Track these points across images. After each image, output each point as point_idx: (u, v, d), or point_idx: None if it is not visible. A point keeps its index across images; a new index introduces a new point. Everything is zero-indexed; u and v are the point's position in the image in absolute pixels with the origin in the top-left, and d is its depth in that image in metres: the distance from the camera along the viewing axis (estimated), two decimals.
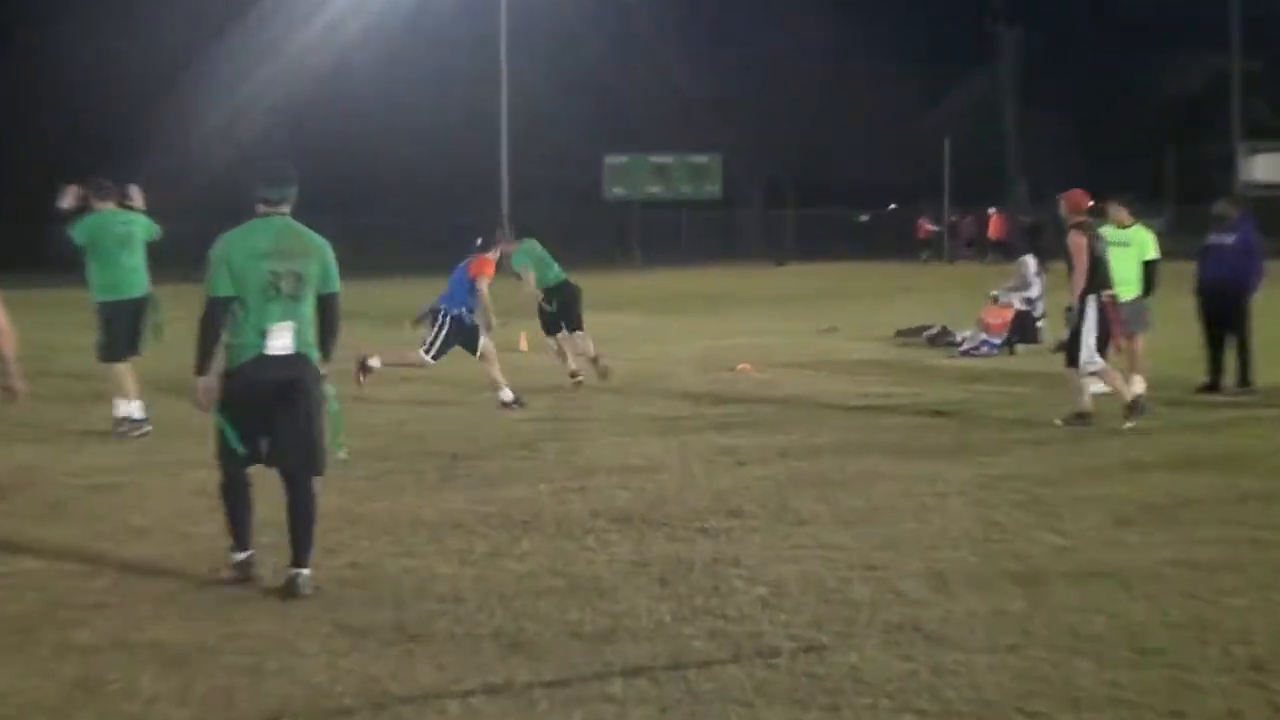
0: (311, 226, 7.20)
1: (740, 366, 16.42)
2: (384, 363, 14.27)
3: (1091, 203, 12.22)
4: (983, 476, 9.45)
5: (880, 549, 7.48)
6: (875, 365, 16.75)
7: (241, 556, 7.10)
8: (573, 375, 15.17)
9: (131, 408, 11.92)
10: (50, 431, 11.96)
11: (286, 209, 7.17)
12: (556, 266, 15.72)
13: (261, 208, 7.15)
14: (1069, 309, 11.83)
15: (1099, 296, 11.68)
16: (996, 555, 7.30)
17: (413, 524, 8.25)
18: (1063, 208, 12.30)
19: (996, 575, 6.90)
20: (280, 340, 6.98)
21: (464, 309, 13.88)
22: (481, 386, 15.03)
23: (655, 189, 58.96)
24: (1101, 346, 11.72)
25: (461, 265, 14.10)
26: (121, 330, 12.04)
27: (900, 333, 20.22)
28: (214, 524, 8.09)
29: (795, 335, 21.08)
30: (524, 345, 19.08)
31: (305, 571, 6.92)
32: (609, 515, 8.40)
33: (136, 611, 6.45)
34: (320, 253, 7.14)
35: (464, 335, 13.91)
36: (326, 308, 7.19)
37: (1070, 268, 11.76)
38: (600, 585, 6.83)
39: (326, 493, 8.97)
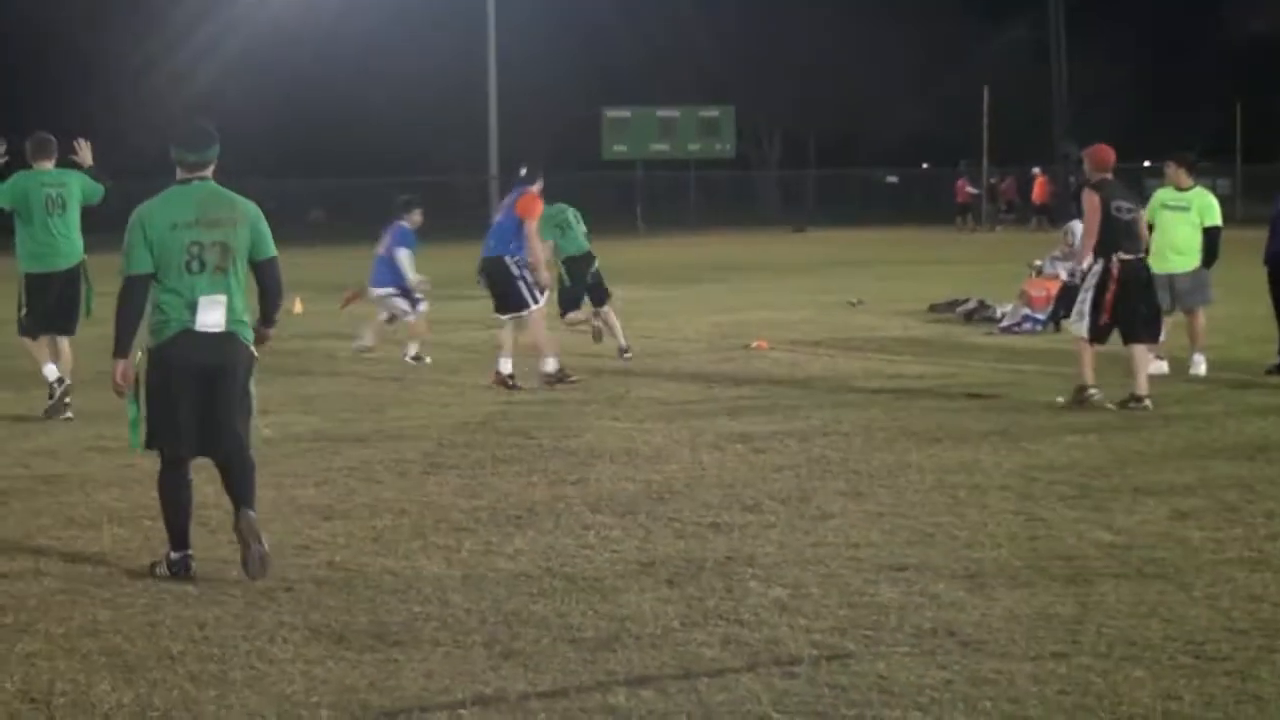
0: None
1: (756, 344, 16.49)
2: (550, 353, 13.72)
3: (1114, 160, 12.28)
4: (1025, 466, 9.50)
5: (911, 546, 7.52)
6: (906, 343, 16.80)
7: (178, 554, 7.19)
8: (622, 351, 15.58)
9: (49, 371, 12.00)
10: None
11: (208, 173, 7.27)
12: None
13: (181, 173, 7.26)
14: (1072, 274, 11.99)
15: (1109, 261, 11.75)
16: (1040, 553, 7.35)
17: (394, 519, 8.30)
18: (1086, 164, 12.38)
19: (1040, 575, 6.95)
20: (211, 315, 7.10)
21: (519, 254, 13.58)
22: (467, 362, 15.09)
23: (660, 147, 58.93)
24: (1098, 315, 11.75)
25: (506, 203, 13.96)
26: (43, 305, 12.05)
27: (934, 307, 20.28)
28: None
29: (817, 309, 21.14)
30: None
31: (252, 512, 7.17)
32: (611, 509, 8.46)
33: (89, 614, 6.50)
34: (249, 219, 7.27)
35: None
36: (265, 274, 7.38)
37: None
38: (601, 586, 6.88)
39: (302, 486, 9.10)
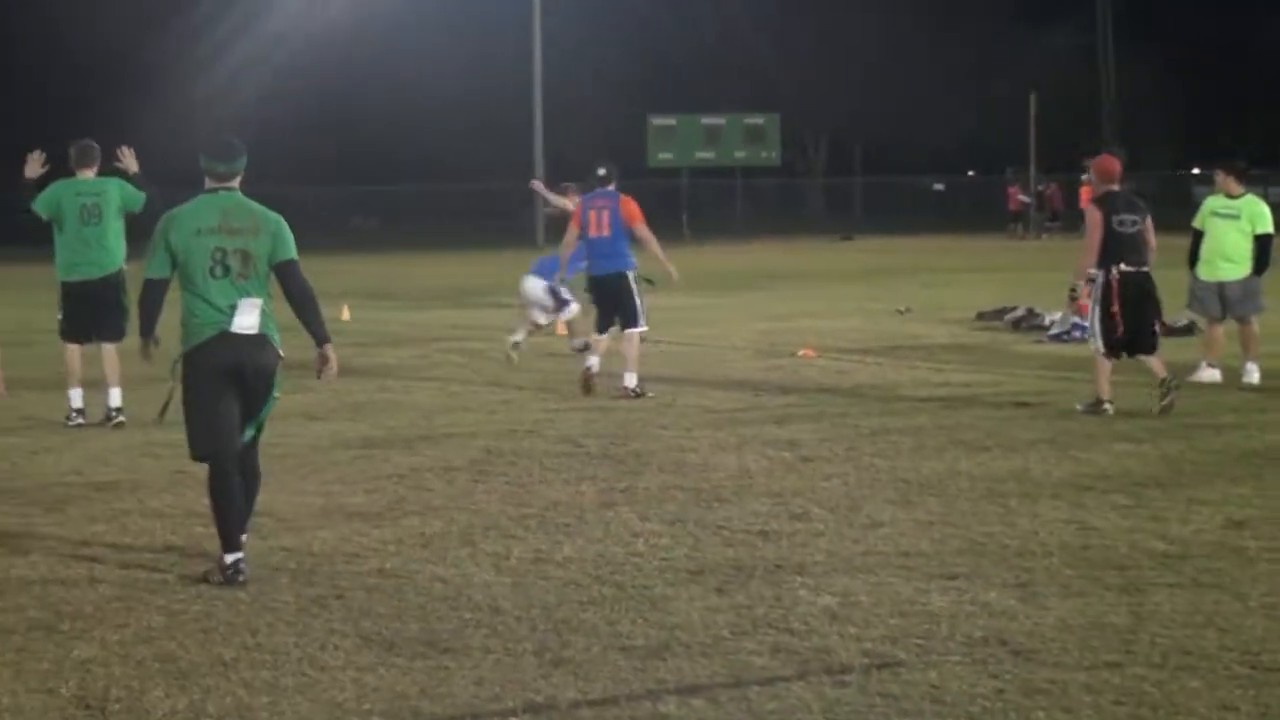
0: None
1: (803, 352, 16.46)
2: (635, 368, 13.58)
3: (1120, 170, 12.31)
4: (1077, 475, 9.45)
5: (962, 555, 7.49)
6: (954, 351, 16.75)
7: (231, 559, 7.27)
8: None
9: (72, 395, 12.09)
10: (40, 423, 12.13)
11: (235, 183, 7.58)
12: None
13: (210, 182, 7.57)
14: (1072, 290, 12.59)
15: (1108, 273, 11.77)
16: (1093, 562, 7.31)
17: (444, 526, 8.33)
18: (1092, 176, 12.37)
19: (1093, 584, 6.90)
20: (247, 319, 7.37)
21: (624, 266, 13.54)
22: (511, 374, 15.14)
23: (706, 154, 58.99)
24: (1110, 329, 11.75)
25: (598, 215, 13.56)
26: (80, 313, 12.14)
27: (981, 315, 20.20)
28: None
29: (864, 317, 21.10)
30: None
31: (243, 536, 7.36)
32: (660, 517, 8.46)
33: (144, 621, 6.55)
34: (270, 228, 7.52)
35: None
36: (288, 278, 7.57)
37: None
38: (651, 594, 6.88)
39: (352, 493, 9.15)
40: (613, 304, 13.68)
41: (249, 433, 7.53)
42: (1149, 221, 12.13)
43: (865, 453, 10.36)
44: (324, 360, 7.65)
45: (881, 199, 65.39)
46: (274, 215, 7.61)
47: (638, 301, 13.64)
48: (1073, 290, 12.79)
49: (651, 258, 13.86)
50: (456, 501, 8.99)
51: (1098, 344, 11.91)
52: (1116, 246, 11.79)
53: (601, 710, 5.42)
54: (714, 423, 11.82)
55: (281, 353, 7.59)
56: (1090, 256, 11.87)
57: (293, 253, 7.59)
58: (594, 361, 13.72)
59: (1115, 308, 11.74)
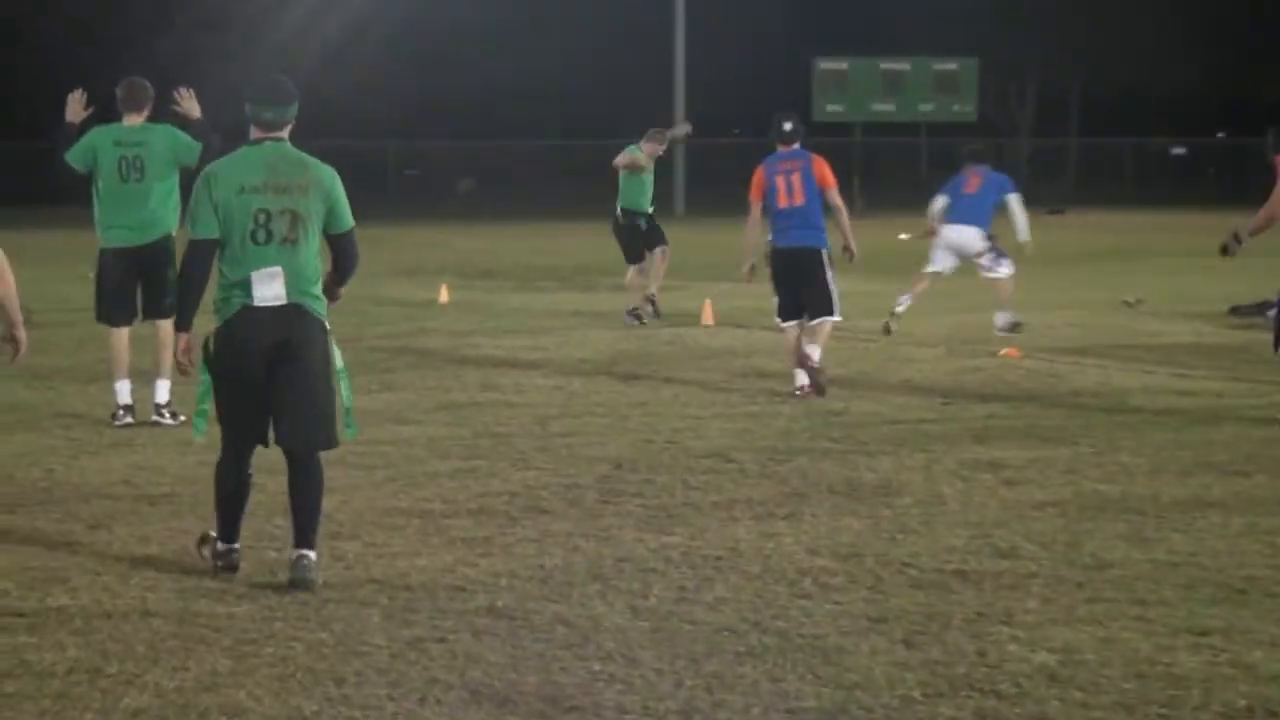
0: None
1: (1005, 351, 16.34)
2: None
3: None
4: None
5: (1216, 605, 7.36)
6: (1200, 353, 16.52)
7: (224, 547, 7.93)
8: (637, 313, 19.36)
9: (119, 388, 12.26)
10: (82, 422, 12.38)
11: (284, 133, 7.86)
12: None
13: (256, 131, 7.82)
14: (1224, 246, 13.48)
15: None
16: None
17: (566, 557, 8.35)
18: None
19: None
20: (269, 289, 7.66)
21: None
22: (651, 374, 15.15)
23: (885, 107, 58.65)
24: None
25: (787, 179, 13.82)
26: (118, 288, 12.31)
27: (1236, 310, 19.91)
28: None
29: (1082, 310, 20.87)
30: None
31: (311, 554, 7.70)
32: (832, 551, 8.42)
33: (206, 665, 6.63)
34: (322, 185, 7.77)
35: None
36: (340, 250, 7.97)
37: None
38: (823, 646, 6.84)
39: (454, 514, 9.21)
40: (801, 286, 13.77)
41: (350, 431, 8.09)
42: None
43: (1087, 476, 10.23)
44: (334, 299, 8.07)
45: (1102, 164, 64.64)
46: (328, 171, 7.85)
47: (832, 285, 13.77)
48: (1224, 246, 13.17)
49: (832, 229, 13.99)
50: (581, 527, 9.01)
51: None
52: None
53: None
54: (896, 437, 11.75)
55: (327, 324, 7.91)
56: (1267, 211, 12.42)
57: (349, 221, 7.90)
58: (800, 375, 13.66)
59: None
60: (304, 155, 7.84)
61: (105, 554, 8.43)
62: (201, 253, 7.77)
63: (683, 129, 21.10)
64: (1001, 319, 17.91)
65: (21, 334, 7.99)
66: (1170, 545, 8.47)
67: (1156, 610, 7.30)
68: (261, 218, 7.64)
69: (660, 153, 20.31)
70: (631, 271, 20.04)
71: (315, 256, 7.83)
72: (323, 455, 7.99)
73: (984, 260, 18.18)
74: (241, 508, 7.98)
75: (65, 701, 6.21)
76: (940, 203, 18.44)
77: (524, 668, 6.59)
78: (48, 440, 11.67)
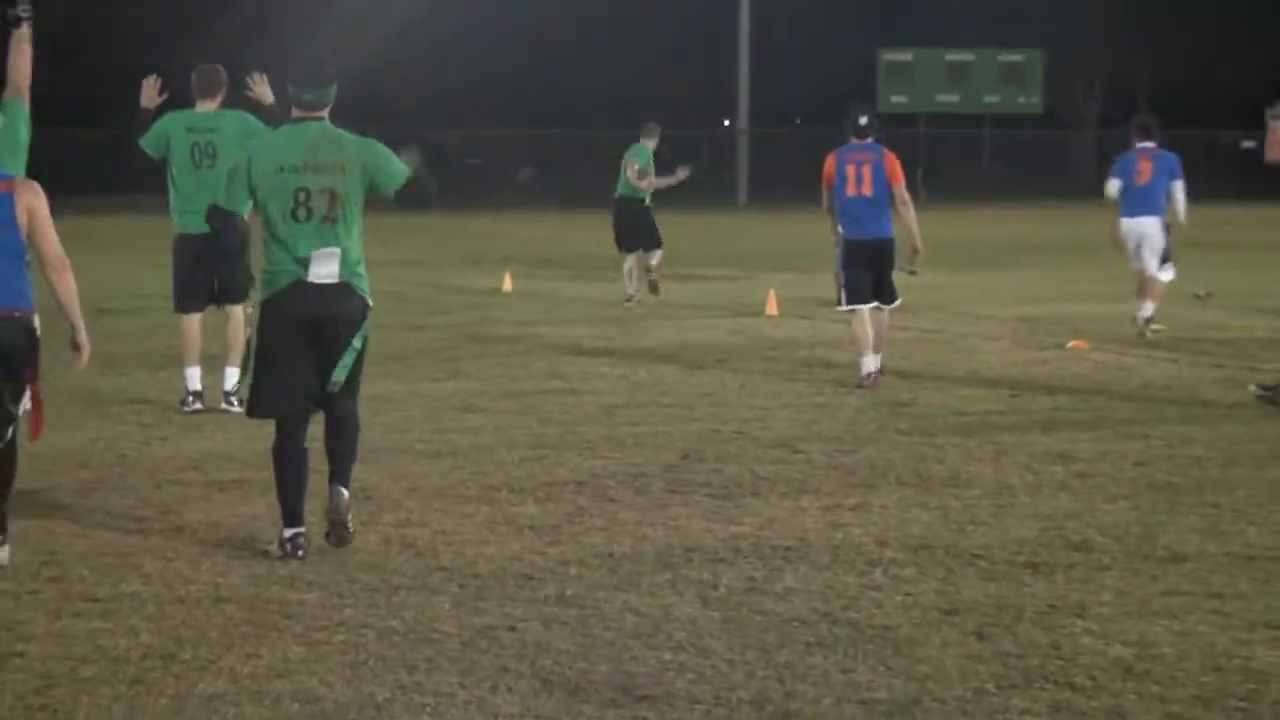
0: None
1: (1073, 344, 16.26)
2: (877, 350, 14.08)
3: None
4: None
5: None
6: (1271, 346, 16.40)
7: (290, 533, 8.02)
8: (628, 299, 20.48)
9: (189, 375, 12.34)
10: (152, 408, 12.45)
11: (324, 114, 8.15)
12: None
13: (297, 112, 8.13)
14: None
15: None
16: None
17: (635, 545, 8.34)
18: None
19: None
20: (325, 267, 7.97)
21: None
22: (710, 363, 15.14)
23: (949, 98, 58.43)
24: None
25: (856, 169, 13.96)
26: (192, 274, 12.40)
27: None
28: (376, 536, 8.36)
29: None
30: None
31: (344, 490, 8.07)
32: (901, 543, 8.38)
33: (279, 651, 6.65)
34: (359, 158, 8.06)
35: None
36: (407, 197, 8.26)
37: None
38: (894, 637, 6.81)
39: (521, 502, 9.21)
40: (873, 275, 13.90)
41: (338, 375, 8.09)
42: None
43: (1159, 469, 10.15)
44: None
45: None
46: (364, 142, 8.11)
47: (899, 265, 14.10)
48: None
49: (900, 226, 14.07)
50: (649, 516, 8.99)
51: None
52: None
53: None
54: (964, 428, 11.69)
55: (370, 302, 8.19)
56: None
57: (402, 172, 8.17)
58: (868, 361, 13.79)
59: None
60: (342, 134, 8.11)
61: (176, 539, 8.47)
62: (223, 216, 8.38)
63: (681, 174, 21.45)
64: (1148, 309, 17.40)
65: (83, 338, 7.97)
66: (1246, 538, 8.39)
67: (1233, 604, 7.23)
68: (301, 196, 7.92)
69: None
70: (630, 260, 21.11)
71: (358, 239, 8.12)
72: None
73: (1156, 259, 17.63)
74: (302, 486, 8.12)
75: (140, 687, 6.22)
76: (1114, 187, 18.04)
77: (595, 656, 6.58)
78: (119, 426, 11.75)
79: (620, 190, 21.26)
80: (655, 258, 21.03)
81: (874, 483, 9.85)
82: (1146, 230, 17.54)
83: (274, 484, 8.20)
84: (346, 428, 8.21)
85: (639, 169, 20.91)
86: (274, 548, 8.04)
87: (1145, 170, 17.52)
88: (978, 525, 8.76)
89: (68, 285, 7.89)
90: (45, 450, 10.18)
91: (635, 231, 21.06)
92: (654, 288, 20.88)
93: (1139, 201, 17.53)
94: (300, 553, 7.95)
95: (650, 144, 21.31)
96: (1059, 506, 9.17)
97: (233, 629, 6.94)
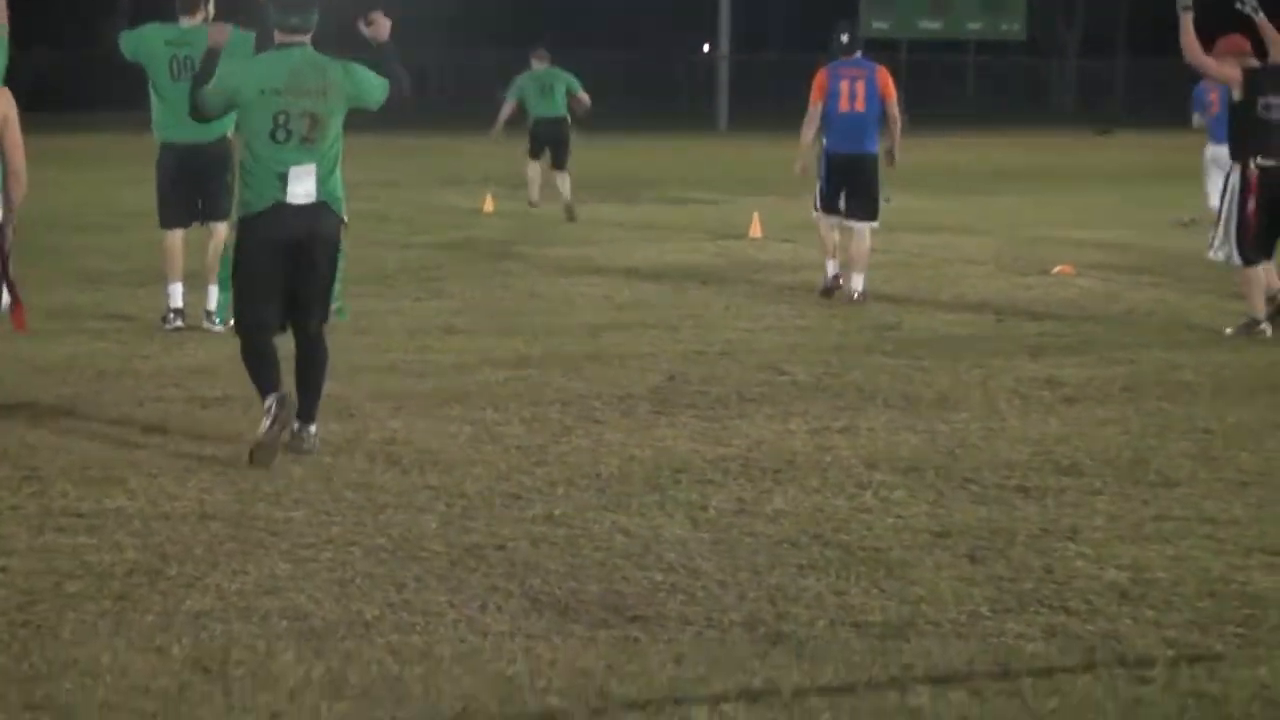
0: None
1: (1059, 269, 16.18)
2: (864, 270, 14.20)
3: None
4: None
5: None
6: None
7: (273, 398, 8.16)
8: (531, 204, 22.15)
9: (171, 291, 12.21)
10: (133, 325, 12.34)
11: (307, 38, 8.35)
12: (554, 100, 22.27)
13: (280, 36, 8.34)
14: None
15: (1245, 167, 12.10)
16: None
17: (622, 466, 8.27)
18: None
19: None
20: (302, 186, 8.19)
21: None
22: (694, 286, 15.06)
23: (931, 24, 58.12)
24: (1245, 233, 12.11)
25: (849, 85, 14.08)
26: (173, 185, 12.22)
27: None
28: (361, 454, 8.28)
29: (1135, 229, 20.67)
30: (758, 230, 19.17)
31: (312, 427, 8.37)
32: (890, 465, 8.32)
33: (266, 568, 6.57)
34: (337, 83, 8.26)
35: None
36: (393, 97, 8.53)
37: None
38: (886, 559, 6.75)
39: (507, 422, 9.13)
40: (850, 189, 14.10)
41: (337, 307, 8.56)
42: None
43: (1149, 395, 10.09)
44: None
45: (1150, 86, 63.96)
46: (344, 66, 8.33)
47: (880, 192, 14.22)
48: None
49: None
50: (636, 437, 8.91)
51: (1235, 257, 12.24)
52: (1257, 134, 12.08)
53: (836, 699, 5.29)
54: (950, 351, 11.63)
55: (345, 218, 8.46)
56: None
57: (382, 89, 8.43)
58: (831, 267, 14.24)
59: (1251, 209, 12.03)
60: (324, 59, 8.32)
61: (160, 455, 8.37)
62: (199, 109, 8.52)
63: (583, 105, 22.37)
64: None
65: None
66: (1239, 464, 8.34)
67: (1227, 529, 7.18)
68: (281, 118, 8.15)
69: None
70: (531, 165, 22.64)
71: (337, 161, 8.33)
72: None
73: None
74: (276, 368, 8.33)
75: (126, 603, 6.14)
76: (1197, 120, 18.03)
77: (584, 576, 6.51)
78: (99, 343, 11.59)
79: (548, 112, 22.40)
80: (565, 182, 21.66)
81: (861, 405, 9.77)
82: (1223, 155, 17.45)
83: (252, 385, 8.40)
84: (319, 355, 8.50)
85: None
86: (264, 425, 8.07)
87: (1214, 100, 17.53)
88: (967, 448, 8.70)
89: (19, 193, 8.53)
90: (23, 365, 10.08)
91: (549, 143, 22.36)
92: (569, 211, 21.26)
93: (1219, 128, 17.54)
94: (287, 410, 8.16)
95: (537, 64, 22.80)
96: (1048, 431, 9.11)
97: (218, 545, 6.85)
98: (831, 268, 14.21)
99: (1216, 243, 12.41)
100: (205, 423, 9.12)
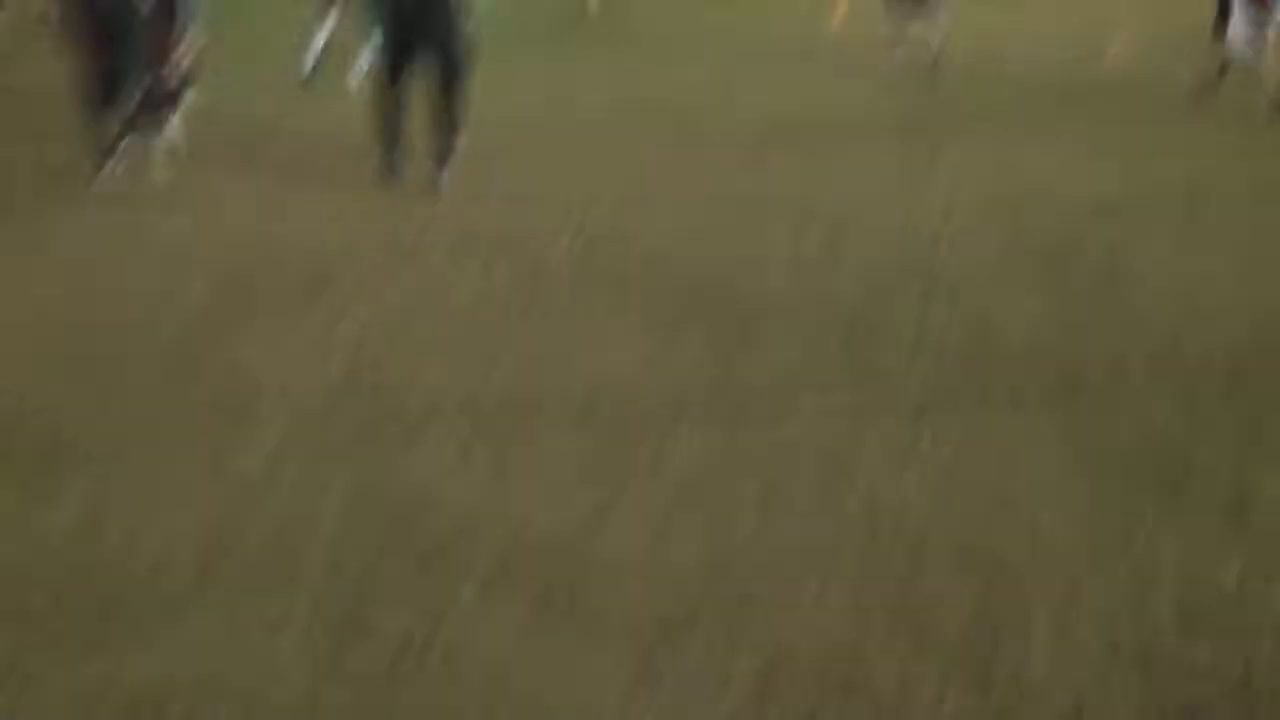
0: None
1: (1113, 52, 15.02)
2: None
3: None
4: None
5: None
6: None
7: (391, 155, 9.05)
8: None
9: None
10: (280, 87, 12.43)
11: None
12: None
13: None
14: None
15: None
16: None
17: None
18: None
19: None
20: None
21: None
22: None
23: None
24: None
25: None
26: None
27: None
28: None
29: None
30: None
31: (445, 175, 9.10)
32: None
33: (406, 284, 7.20)
34: None
35: None
36: None
37: None
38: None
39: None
40: None
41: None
42: None
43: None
44: None
45: None
46: None
47: None
48: None
49: None
50: None
51: (1239, 50, 12.28)
52: None
53: None
54: (1026, 122, 11.90)
55: None
56: None
57: None
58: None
59: None
60: None
61: (313, 200, 9.00)
62: None
63: None
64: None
65: None
66: None
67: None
68: None
69: None
70: None
71: None
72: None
73: None
74: (403, 129, 9.04)
75: (287, 320, 6.87)
76: None
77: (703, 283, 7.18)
78: (250, 108, 11.58)
79: None
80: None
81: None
82: None
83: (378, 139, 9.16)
84: (456, 78, 9.07)
85: None
86: (382, 172, 9.07)
87: None
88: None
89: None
90: None
91: None
92: None
93: None
94: (401, 170, 9.06)
95: None
96: None
97: (368, 274, 7.53)
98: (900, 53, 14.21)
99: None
100: (343, 171, 9.53)
